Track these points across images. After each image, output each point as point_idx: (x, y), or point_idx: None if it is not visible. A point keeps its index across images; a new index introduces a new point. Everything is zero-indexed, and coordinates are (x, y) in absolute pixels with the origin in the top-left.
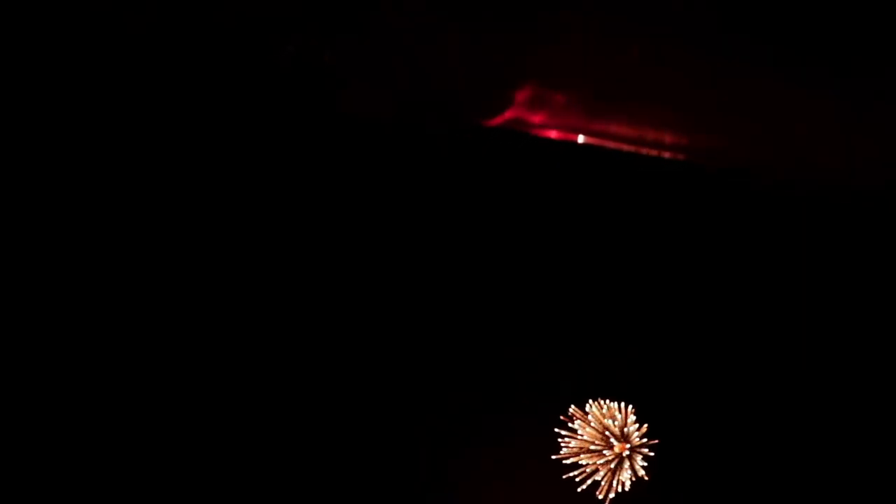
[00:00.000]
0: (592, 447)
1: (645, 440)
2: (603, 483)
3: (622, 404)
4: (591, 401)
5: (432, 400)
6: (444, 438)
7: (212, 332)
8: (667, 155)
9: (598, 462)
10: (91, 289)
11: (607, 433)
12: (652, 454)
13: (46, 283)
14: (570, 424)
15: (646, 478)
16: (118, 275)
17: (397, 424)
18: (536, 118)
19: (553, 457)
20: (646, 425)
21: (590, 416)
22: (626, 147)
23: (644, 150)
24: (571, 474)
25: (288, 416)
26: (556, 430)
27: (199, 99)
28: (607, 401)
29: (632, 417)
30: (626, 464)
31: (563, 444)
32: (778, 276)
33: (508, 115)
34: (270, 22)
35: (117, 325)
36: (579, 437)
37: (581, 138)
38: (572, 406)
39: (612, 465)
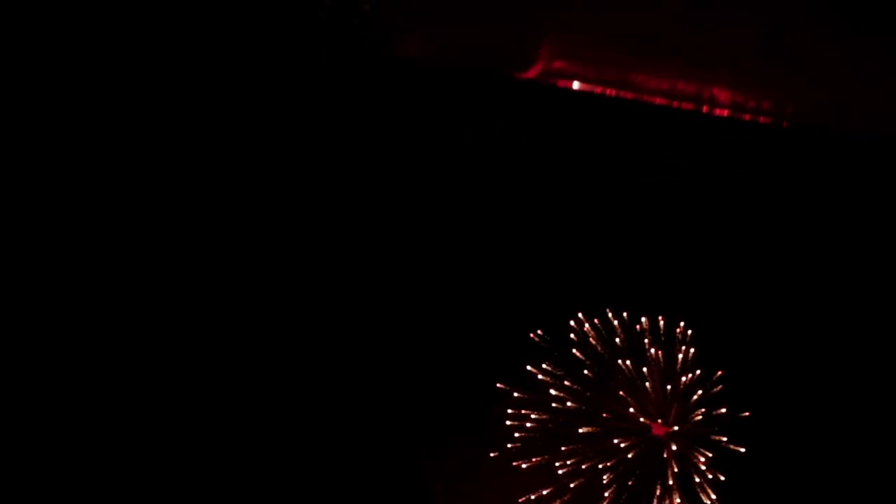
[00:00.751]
0: (585, 429)
1: (723, 411)
2: None
3: (659, 321)
4: (582, 317)
5: (432, 400)
6: (444, 438)
7: (212, 330)
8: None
9: (605, 464)
10: (89, 285)
11: (622, 393)
12: (741, 451)
13: (46, 280)
14: (543, 373)
15: None
16: (117, 271)
17: (397, 424)
18: (566, 69)
19: (482, 455)
20: (720, 375)
21: (579, 354)
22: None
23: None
24: (535, 498)
25: (288, 416)
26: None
27: (199, 98)
28: (623, 314)
29: (682, 355)
30: (672, 465)
31: (511, 422)
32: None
33: (539, 67)
34: (270, 22)
35: (113, 321)
36: (555, 403)
37: (576, 85)
38: (538, 331)
39: (639, 469)
